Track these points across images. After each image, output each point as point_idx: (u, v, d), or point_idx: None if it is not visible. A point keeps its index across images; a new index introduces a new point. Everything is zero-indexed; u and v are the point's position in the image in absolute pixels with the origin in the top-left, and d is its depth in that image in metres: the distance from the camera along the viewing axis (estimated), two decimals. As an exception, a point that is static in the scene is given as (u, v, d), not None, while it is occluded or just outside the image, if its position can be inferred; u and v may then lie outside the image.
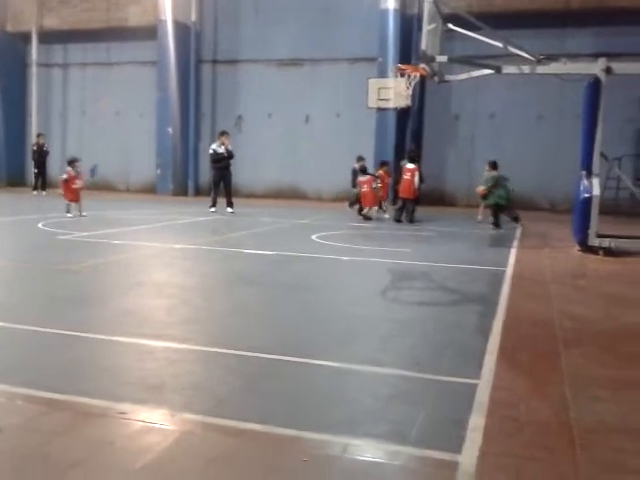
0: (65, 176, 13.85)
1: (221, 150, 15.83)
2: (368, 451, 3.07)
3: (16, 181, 24.78)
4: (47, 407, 3.52)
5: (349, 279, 7.74)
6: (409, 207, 14.39)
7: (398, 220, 14.25)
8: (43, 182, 21.95)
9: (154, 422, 3.35)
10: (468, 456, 2.99)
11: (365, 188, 14.85)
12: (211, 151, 16.13)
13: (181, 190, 22.22)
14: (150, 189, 22.69)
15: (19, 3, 24.88)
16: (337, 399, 3.74)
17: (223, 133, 16.50)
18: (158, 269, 8.25)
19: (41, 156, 22.19)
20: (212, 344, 4.73)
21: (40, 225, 11.96)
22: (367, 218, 14.71)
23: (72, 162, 14.21)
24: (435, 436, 3.23)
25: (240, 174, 20.12)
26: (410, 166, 14.61)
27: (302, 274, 7.93)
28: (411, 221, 14.12)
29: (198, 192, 22.46)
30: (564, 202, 17.93)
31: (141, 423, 3.32)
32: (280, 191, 22.23)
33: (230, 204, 15.64)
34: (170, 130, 22.12)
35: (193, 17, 22.59)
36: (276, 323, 5.50)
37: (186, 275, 7.88)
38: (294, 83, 22.13)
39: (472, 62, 10.60)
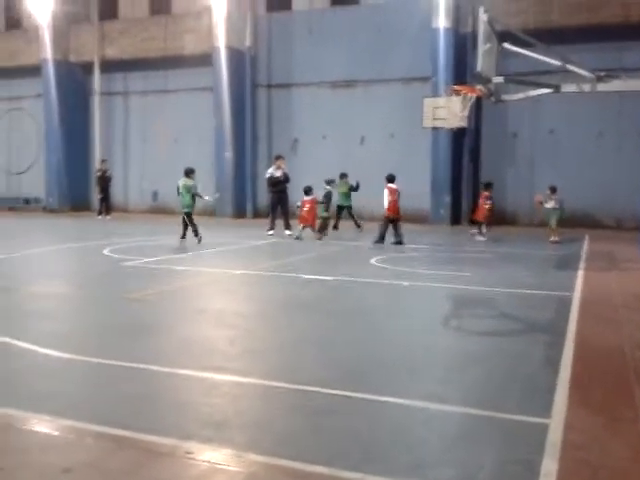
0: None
1: (278, 174, 16.01)
2: (437, 498, 3.00)
3: (80, 206, 25.60)
4: (115, 444, 3.58)
5: (410, 306, 7.66)
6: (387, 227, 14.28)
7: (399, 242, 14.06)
8: (107, 206, 22.63)
9: (220, 463, 3.35)
10: (542, 504, 2.88)
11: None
12: (268, 175, 16.33)
13: (240, 213, 22.50)
14: (210, 212, 23.06)
15: (81, 35, 25.85)
16: (402, 439, 3.68)
17: (279, 157, 16.69)
18: (219, 296, 8.34)
19: (105, 181, 22.89)
20: (275, 378, 4.73)
21: (105, 251, 12.28)
22: (297, 238, 14.76)
23: None
24: (506, 482, 3.13)
25: (296, 196, 20.26)
26: (392, 186, 14.75)
27: (362, 301, 7.88)
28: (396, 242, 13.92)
29: (256, 214, 22.70)
30: (630, 219, 17.37)
31: (207, 464, 3.34)
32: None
33: (288, 227, 15.75)
34: (227, 154, 22.48)
35: (247, 42, 22.99)
36: (337, 354, 5.46)
37: (247, 302, 7.94)
38: (348, 104, 22.22)
39: (529, 82, 10.42)
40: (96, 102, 25.92)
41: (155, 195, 25.50)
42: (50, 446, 3.60)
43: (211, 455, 3.44)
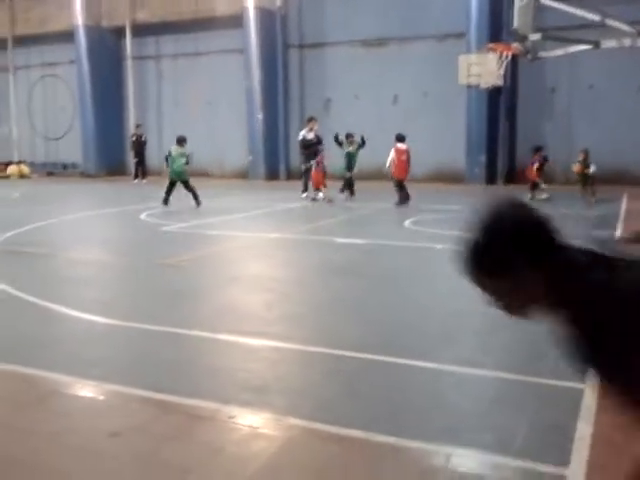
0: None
1: (310, 136, 15.97)
2: (471, 462, 3.07)
3: (116, 171, 25.93)
4: (159, 409, 3.72)
5: (444, 270, 7.64)
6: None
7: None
8: (143, 171, 22.93)
9: (260, 427, 3.47)
10: (576, 469, 2.93)
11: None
12: (300, 137, 16.29)
13: (273, 175, 22.55)
14: (243, 174, 23.18)
15: (112, 0, 25.82)
16: (438, 404, 3.75)
17: (311, 119, 16.61)
18: (254, 261, 8.46)
19: (139, 146, 23.12)
20: (312, 343, 4.82)
21: (142, 216, 12.48)
22: (314, 199, 14.97)
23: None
24: (540, 446, 3.18)
25: (328, 157, 20.20)
26: (401, 146, 14.54)
27: (396, 264, 7.92)
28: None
29: (289, 176, 22.71)
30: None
31: (248, 428, 3.46)
32: (369, 173, 22.11)
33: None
34: (259, 116, 22.44)
35: (278, 2, 22.69)
36: (372, 319, 5.53)
37: (282, 267, 8.04)
38: (381, 63, 21.88)
39: (567, 39, 10.14)
40: (129, 67, 25.97)
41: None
42: (96, 411, 3.77)
43: (252, 419, 3.56)
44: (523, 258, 1.59)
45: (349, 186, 15.79)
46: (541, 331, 4.93)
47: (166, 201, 14.18)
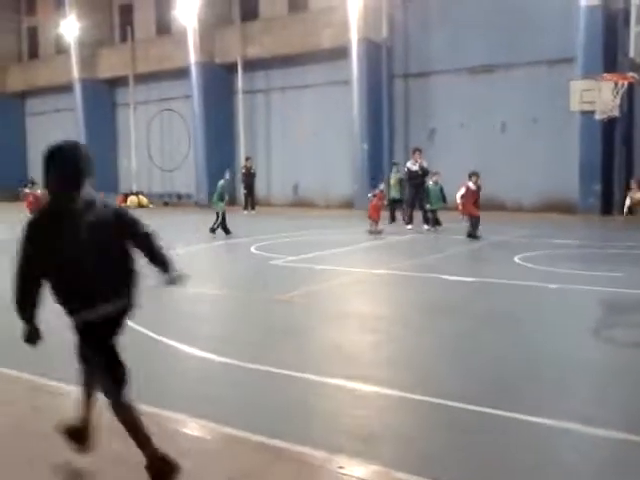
0: None
1: (415, 167, 15.99)
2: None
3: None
4: (272, 456, 3.82)
5: (558, 312, 7.42)
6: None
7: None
8: (252, 202, 23.69)
9: (369, 479, 3.50)
10: None
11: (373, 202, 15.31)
12: (405, 169, 16.34)
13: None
14: (348, 204, 23.45)
15: (225, 37, 27.06)
16: (551, 464, 3.64)
17: (416, 150, 16.65)
18: (361, 298, 8.54)
19: (249, 178, 23.94)
20: (420, 390, 4.79)
21: (253, 249, 12.88)
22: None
23: None
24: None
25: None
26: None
27: (506, 305, 7.74)
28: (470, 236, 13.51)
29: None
30: None
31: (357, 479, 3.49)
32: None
33: (426, 221, 15.68)
34: (365, 146, 22.68)
35: (384, 33, 22.97)
36: (481, 366, 5.43)
37: (388, 305, 8.07)
38: (487, 90, 21.62)
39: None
40: (239, 100, 27.08)
41: (296, 188, 26.27)
42: (211, 453, 3.92)
43: (360, 471, 3.59)
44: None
45: (426, 220, 15.69)
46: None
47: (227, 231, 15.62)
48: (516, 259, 10.65)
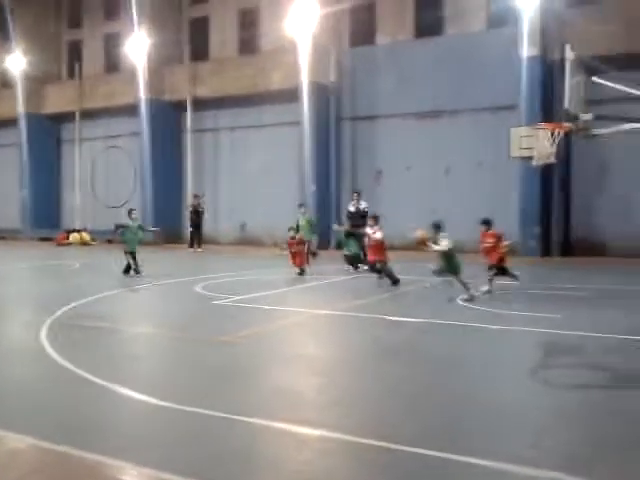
0: None
1: (352, 209, 16.46)
2: None
3: (174, 238, 26.64)
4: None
5: (498, 353, 7.54)
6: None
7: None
8: (199, 240, 23.52)
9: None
10: None
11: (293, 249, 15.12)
12: (346, 210, 16.81)
13: (324, 245, 22.77)
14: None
15: (174, 75, 27.16)
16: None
17: (354, 192, 17.32)
18: (305, 340, 8.50)
19: (197, 216, 23.80)
20: (364, 434, 4.76)
21: (197, 288, 12.73)
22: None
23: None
24: None
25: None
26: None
27: (449, 347, 7.83)
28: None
29: (340, 246, 22.91)
30: None
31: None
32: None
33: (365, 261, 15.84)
34: (313, 187, 22.89)
35: (332, 77, 23.46)
36: (424, 408, 5.46)
37: (332, 347, 8.06)
38: (433, 135, 22.23)
39: (620, 118, 10.14)
40: (188, 139, 27.06)
41: (243, 227, 26.23)
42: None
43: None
44: None
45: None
46: (607, 431, 4.79)
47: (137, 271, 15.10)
48: (458, 300, 10.81)
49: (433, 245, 10.81)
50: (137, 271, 15.11)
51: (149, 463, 4.21)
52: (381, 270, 13.18)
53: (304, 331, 9.06)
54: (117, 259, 19.07)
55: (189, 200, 25.63)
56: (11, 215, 31.44)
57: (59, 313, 9.81)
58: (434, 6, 22.64)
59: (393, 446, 4.49)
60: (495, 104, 20.85)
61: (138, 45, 26.06)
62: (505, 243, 11.86)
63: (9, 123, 31.11)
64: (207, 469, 4.16)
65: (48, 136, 31.37)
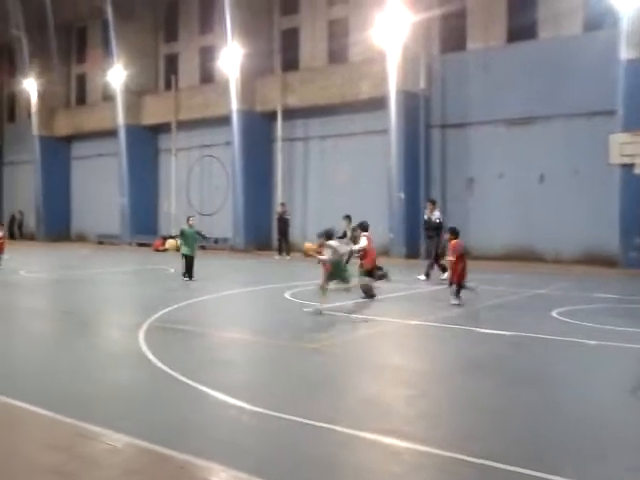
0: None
1: (425, 218, 16.25)
2: None
3: (264, 246, 27.19)
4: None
5: (597, 371, 7.22)
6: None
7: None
8: (287, 247, 23.88)
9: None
10: None
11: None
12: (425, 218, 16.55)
13: (413, 254, 22.60)
14: (384, 252, 23.40)
15: (266, 86, 27.73)
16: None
17: (428, 201, 16.93)
18: (394, 350, 8.46)
19: (283, 223, 24.17)
20: (452, 448, 4.69)
21: (287, 295, 12.92)
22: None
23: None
24: None
25: (472, 236, 20.00)
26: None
27: (542, 362, 7.58)
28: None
29: (428, 255, 22.66)
30: None
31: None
32: (514, 253, 21.58)
33: (444, 269, 15.59)
34: (402, 195, 22.75)
35: (421, 84, 23.26)
36: (515, 425, 5.30)
37: (422, 358, 7.97)
38: (526, 142, 21.66)
39: None
40: (278, 148, 27.54)
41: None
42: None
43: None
44: None
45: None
46: None
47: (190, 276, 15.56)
48: (554, 313, 10.45)
49: (317, 255, 10.85)
50: (190, 276, 15.56)
51: (239, 467, 4.30)
52: (382, 276, 12.87)
53: (391, 341, 9.01)
54: (209, 265, 19.57)
55: (278, 208, 26.06)
56: (111, 222, 32.99)
57: (155, 316, 10.20)
58: (527, 10, 22.09)
59: (484, 462, 4.39)
60: (591, 109, 20.09)
61: (231, 57, 26.80)
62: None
63: (110, 134, 32.70)
64: (295, 476, 4.21)
65: (146, 146, 32.75)
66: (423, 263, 17.00)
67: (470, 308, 11.57)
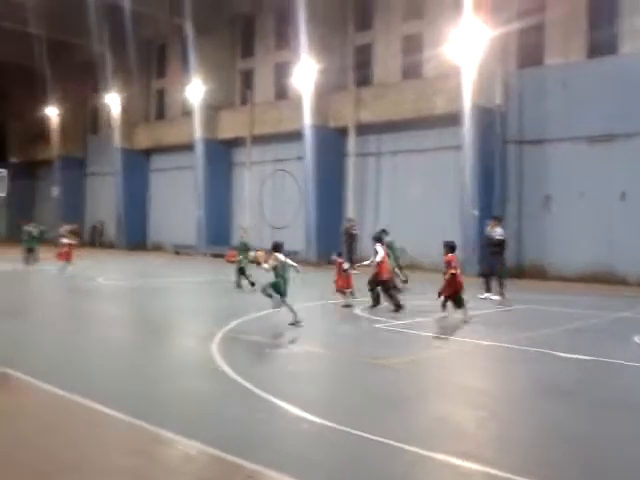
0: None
1: (486, 234, 15.93)
2: None
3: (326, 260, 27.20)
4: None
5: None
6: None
7: None
8: (351, 261, 23.78)
9: None
10: None
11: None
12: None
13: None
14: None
15: (340, 102, 27.90)
16: None
17: (491, 217, 16.54)
18: (465, 370, 8.31)
19: (349, 238, 24.11)
20: (525, 473, 4.56)
21: (357, 311, 12.90)
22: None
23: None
24: None
25: (549, 256, 19.49)
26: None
27: (622, 388, 7.28)
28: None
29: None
30: None
31: None
32: (594, 274, 20.84)
33: (499, 291, 15.20)
34: (476, 212, 22.37)
35: (497, 100, 22.88)
36: (589, 453, 5.12)
37: (494, 380, 7.80)
38: (606, 159, 20.95)
39: None
40: (350, 163, 27.63)
41: (403, 251, 26.17)
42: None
43: None
44: None
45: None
46: None
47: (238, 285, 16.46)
48: (636, 338, 10.03)
49: (263, 265, 11.46)
50: (238, 285, 16.46)
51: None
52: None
53: (464, 361, 8.86)
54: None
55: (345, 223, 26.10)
56: (187, 232, 33.83)
57: (228, 327, 10.39)
58: (608, 24, 21.44)
59: (561, 490, 4.26)
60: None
61: (305, 73, 27.14)
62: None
63: (187, 148, 33.62)
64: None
65: (221, 160, 33.50)
66: (481, 282, 16.47)
67: (546, 331, 11.23)
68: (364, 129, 27.16)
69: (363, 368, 8.05)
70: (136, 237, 37.81)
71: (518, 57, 23.40)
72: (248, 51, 33.42)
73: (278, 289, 10.92)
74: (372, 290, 13.29)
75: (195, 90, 32.14)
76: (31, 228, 23.95)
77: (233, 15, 33.09)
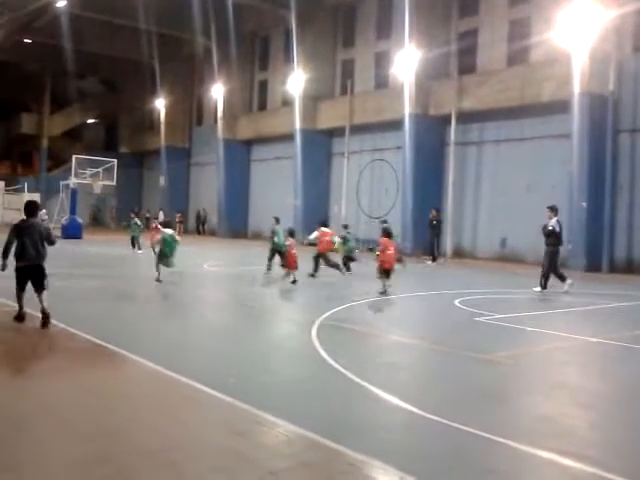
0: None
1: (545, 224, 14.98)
2: None
3: (423, 252, 26.75)
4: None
5: None
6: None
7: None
8: (433, 253, 23.32)
9: None
10: None
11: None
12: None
13: (595, 266, 21.13)
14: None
15: (440, 89, 27.40)
16: None
17: (547, 208, 15.40)
18: (572, 368, 7.96)
19: (433, 228, 23.62)
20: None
21: (457, 302, 12.66)
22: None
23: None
24: None
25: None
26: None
27: None
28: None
29: (613, 269, 21.10)
30: None
31: None
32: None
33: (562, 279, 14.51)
34: (584, 204, 21.39)
35: (610, 87, 21.72)
36: None
37: (604, 380, 7.42)
38: None
39: None
40: (451, 152, 27.09)
41: (503, 242, 25.50)
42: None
43: None
44: None
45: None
46: None
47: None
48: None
49: (153, 236, 14.51)
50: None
51: (409, 471, 4.26)
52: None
53: (570, 358, 8.48)
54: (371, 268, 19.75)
55: (449, 214, 25.64)
56: (285, 221, 34.13)
57: (326, 314, 10.45)
58: None
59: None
60: None
61: (407, 62, 26.80)
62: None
63: (287, 138, 34.08)
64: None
65: (320, 150, 33.72)
66: (587, 276, 15.68)
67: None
68: (466, 117, 26.56)
69: (463, 361, 7.87)
70: (237, 225, 38.82)
71: (634, 40, 22.08)
72: (349, 41, 33.39)
73: (167, 259, 13.79)
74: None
75: (296, 81, 32.47)
76: (136, 219, 25.02)
77: (335, 5, 33.14)
